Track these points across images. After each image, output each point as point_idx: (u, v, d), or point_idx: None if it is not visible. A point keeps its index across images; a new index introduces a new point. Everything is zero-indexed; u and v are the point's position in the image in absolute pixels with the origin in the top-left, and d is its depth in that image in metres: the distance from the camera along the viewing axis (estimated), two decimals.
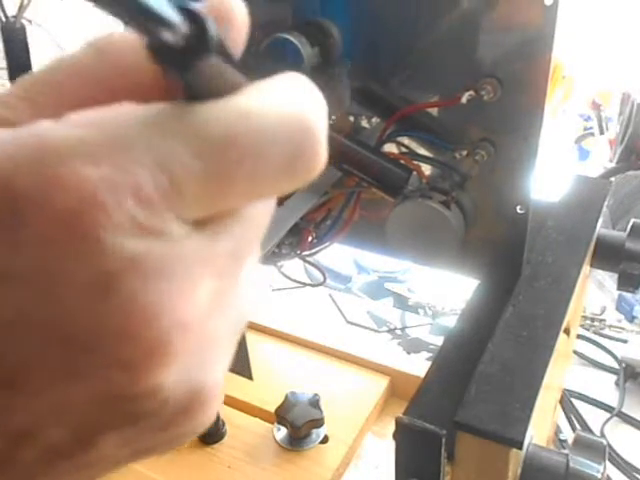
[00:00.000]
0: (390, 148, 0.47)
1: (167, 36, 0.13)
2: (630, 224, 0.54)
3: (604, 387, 0.82)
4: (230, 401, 0.76)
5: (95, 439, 0.14)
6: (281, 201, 0.44)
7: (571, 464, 0.36)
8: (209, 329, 0.14)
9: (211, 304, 0.14)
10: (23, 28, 1.02)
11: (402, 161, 0.45)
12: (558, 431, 0.73)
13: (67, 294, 0.12)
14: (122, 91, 0.15)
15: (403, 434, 0.36)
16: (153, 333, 0.13)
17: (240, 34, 0.16)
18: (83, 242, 0.12)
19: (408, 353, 0.90)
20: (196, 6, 0.13)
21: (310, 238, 0.51)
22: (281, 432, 0.71)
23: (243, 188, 0.14)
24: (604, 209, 0.55)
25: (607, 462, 0.37)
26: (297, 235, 0.49)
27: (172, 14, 0.13)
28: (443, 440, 0.35)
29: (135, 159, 0.12)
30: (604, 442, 0.38)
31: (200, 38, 0.13)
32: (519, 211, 0.45)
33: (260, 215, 0.16)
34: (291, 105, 0.15)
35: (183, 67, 0.13)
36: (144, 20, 0.12)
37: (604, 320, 0.90)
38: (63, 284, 0.12)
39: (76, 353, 0.13)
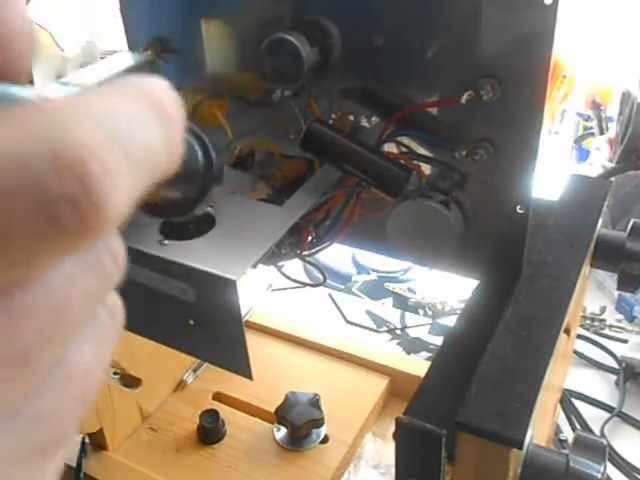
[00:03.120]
0: (390, 148, 0.47)
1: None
2: (630, 224, 0.54)
3: (604, 387, 0.82)
4: (230, 401, 0.76)
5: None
6: (280, 201, 0.44)
7: (571, 464, 0.36)
8: None
9: None
10: None
11: (402, 161, 0.45)
12: (558, 431, 0.73)
13: None
14: None
15: (403, 434, 0.36)
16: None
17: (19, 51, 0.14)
18: None
19: (408, 353, 0.90)
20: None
21: (310, 238, 0.51)
22: (281, 432, 0.71)
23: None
24: (604, 209, 0.55)
25: (607, 462, 0.37)
26: (297, 235, 0.49)
27: None
28: (443, 440, 0.35)
29: None
30: (604, 442, 0.38)
31: None
32: (519, 211, 0.45)
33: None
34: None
35: None
36: None
37: (604, 320, 0.90)
38: None
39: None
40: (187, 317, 0.39)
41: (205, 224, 0.40)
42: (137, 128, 0.13)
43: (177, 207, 0.18)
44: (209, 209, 0.41)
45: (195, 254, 0.37)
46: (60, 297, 0.13)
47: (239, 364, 0.39)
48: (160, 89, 0.14)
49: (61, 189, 0.11)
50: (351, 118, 0.49)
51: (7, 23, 0.14)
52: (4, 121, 0.11)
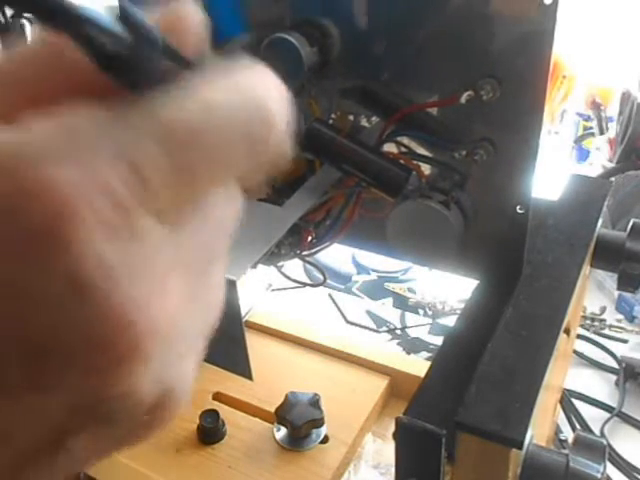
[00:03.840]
0: (390, 148, 0.47)
1: (110, 45, 0.13)
2: (630, 224, 0.54)
3: (604, 387, 0.82)
4: (230, 401, 0.76)
5: (65, 441, 0.14)
6: (280, 201, 0.44)
7: (571, 464, 0.36)
8: (179, 329, 0.14)
9: (180, 303, 0.14)
10: (23, 28, 1.03)
11: (402, 161, 0.45)
12: (558, 431, 0.73)
13: (42, 305, 0.12)
14: (72, 86, 0.14)
15: (403, 434, 0.36)
16: (125, 339, 0.13)
17: (196, 38, 0.16)
18: (57, 252, 0.12)
19: (408, 353, 0.90)
20: (137, 16, 0.13)
21: (310, 238, 0.51)
22: (281, 432, 0.71)
23: (208, 178, 0.14)
24: (604, 209, 0.55)
25: (607, 462, 0.37)
26: (297, 235, 0.49)
27: (114, 25, 0.13)
28: (443, 440, 0.35)
29: (102, 158, 0.12)
30: (604, 442, 0.38)
31: (141, 45, 0.13)
32: (519, 211, 0.45)
33: (226, 217, 0.16)
34: (249, 93, 0.15)
35: (129, 72, 0.13)
36: (87, 32, 0.13)
37: (604, 320, 0.90)
38: (38, 295, 0.12)
39: (49, 364, 0.13)
40: None
41: None
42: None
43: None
44: None
45: None
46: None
47: (239, 364, 0.39)
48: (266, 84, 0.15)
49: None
50: (351, 118, 0.49)
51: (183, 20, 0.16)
52: None
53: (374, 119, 0.49)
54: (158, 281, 0.13)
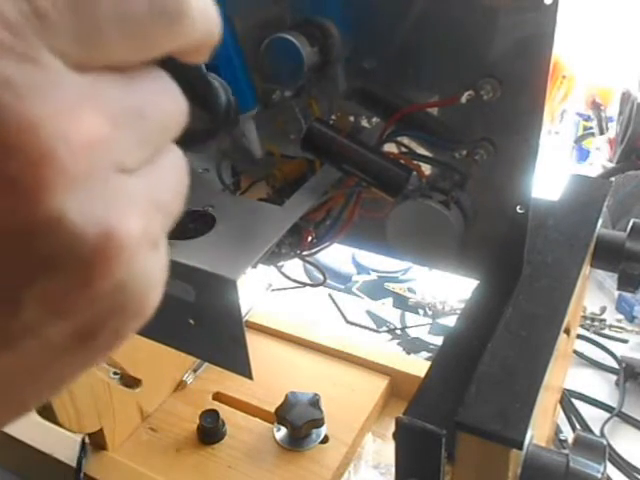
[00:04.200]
0: (390, 148, 0.47)
1: None
2: (630, 224, 0.54)
3: (604, 387, 0.82)
4: (230, 401, 0.76)
5: (14, 294, 0.13)
6: (281, 201, 0.44)
7: (571, 464, 0.36)
8: (106, 163, 0.14)
9: (103, 139, 0.13)
10: None
11: (402, 161, 0.45)
12: (558, 431, 0.73)
13: None
14: None
15: (403, 434, 0.36)
16: (34, 140, 0.12)
17: None
18: None
19: (408, 353, 0.90)
20: None
21: (310, 238, 0.51)
22: (281, 432, 0.71)
23: (113, 31, 0.14)
24: (604, 209, 0.55)
25: (607, 462, 0.37)
26: (297, 235, 0.49)
27: None
28: (443, 440, 0.35)
29: None
30: (604, 442, 0.38)
31: None
32: (519, 211, 0.45)
33: (161, 98, 0.16)
34: None
35: None
36: None
37: (604, 320, 0.90)
38: None
39: None
40: (187, 317, 0.39)
41: (205, 224, 0.40)
42: None
43: (198, 135, 0.19)
44: (209, 209, 0.41)
45: (195, 254, 0.37)
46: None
47: (239, 364, 0.39)
48: None
49: None
50: (351, 119, 0.49)
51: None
52: None
53: (374, 120, 0.49)
54: (68, 107, 0.13)
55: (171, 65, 0.16)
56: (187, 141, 0.17)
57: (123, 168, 0.14)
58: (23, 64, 0.12)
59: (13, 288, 0.13)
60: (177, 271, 0.37)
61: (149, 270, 0.15)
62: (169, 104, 0.16)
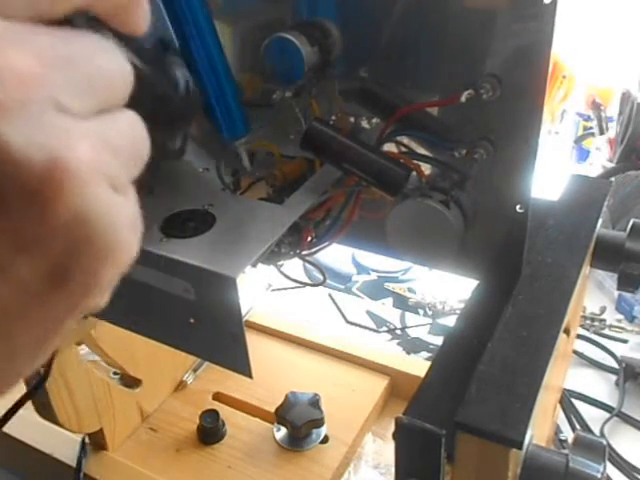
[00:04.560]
0: (390, 148, 0.47)
1: None
2: (630, 224, 0.54)
3: (604, 387, 0.82)
4: (230, 401, 0.76)
5: None
6: (281, 200, 0.44)
7: (571, 464, 0.36)
8: (49, 91, 0.14)
9: (35, 73, 0.14)
10: None
11: (402, 160, 0.45)
12: (558, 431, 0.73)
13: None
14: None
15: (403, 434, 0.36)
16: None
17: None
18: None
19: (408, 353, 0.90)
20: None
21: (310, 238, 0.51)
22: (281, 432, 0.71)
23: None
24: (604, 209, 0.55)
25: (607, 462, 0.37)
26: (297, 234, 0.49)
27: None
28: (443, 440, 0.35)
29: None
30: (604, 442, 0.38)
31: None
32: (519, 210, 0.45)
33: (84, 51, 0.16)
34: None
35: None
36: None
37: (604, 320, 0.90)
38: None
39: None
40: (187, 315, 0.39)
41: (205, 223, 0.40)
42: None
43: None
44: (209, 208, 0.41)
45: (195, 252, 0.37)
46: None
47: (239, 362, 0.39)
48: None
49: None
50: (351, 120, 0.49)
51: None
52: None
53: (374, 121, 0.49)
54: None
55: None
56: (157, 124, 0.18)
57: (63, 108, 0.15)
58: None
59: None
60: (177, 269, 0.37)
61: (113, 209, 0.15)
62: (105, 59, 0.16)
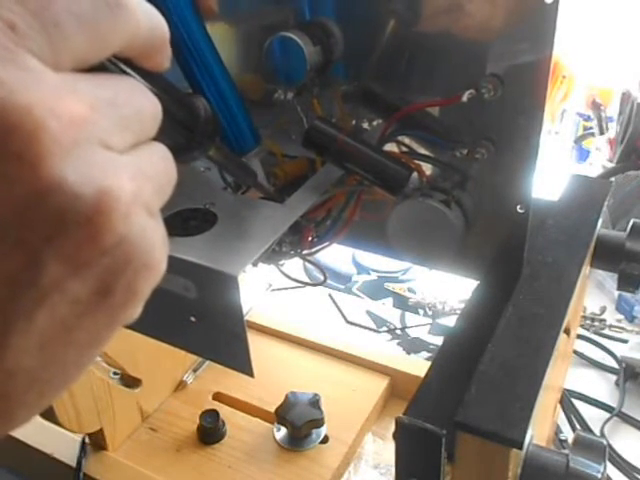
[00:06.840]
0: (391, 147, 0.47)
1: None
2: (630, 224, 0.54)
3: (604, 387, 0.82)
4: (230, 401, 0.76)
5: (37, 254, 0.15)
6: (282, 199, 0.44)
7: (571, 464, 0.36)
8: (94, 123, 0.16)
9: (89, 113, 0.16)
10: None
11: (403, 160, 0.45)
12: (558, 431, 0.73)
13: None
14: None
15: (403, 434, 0.36)
16: (29, 117, 0.15)
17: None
18: None
19: (408, 353, 0.90)
20: None
21: (310, 237, 0.51)
22: (281, 432, 0.71)
23: (69, 26, 0.16)
24: (604, 209, 0.55)
25: (607, 462, 0.37)
26: (298, 233, 0.49)
27: None
28: (443, 440, 0.35)
29: None
30: (604, 442, 0.38)
31: None
32: (519, 210, 0.45)
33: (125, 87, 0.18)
34: None
35: None
36: None
37: (604, 320, 0.90)
38: None
39: None
40: (188, 314, 0.39)
41: (207, 221, 0.40)
42: None
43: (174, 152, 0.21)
44: (211, 207, 0.41)
45: (197, 250, 0.37)
46: None
47: (240, 361, 0.39)
48: None
49: None
50: (353, 122, 0.49)
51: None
52: None
53: (376, 122, 0.49)
54: (50, 94, 0.15)
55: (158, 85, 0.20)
56: (174, 152, 0.20)
57: (108, 145, 0.17)
58: (10, 67, 0.15)
59: (35, 249, 0.15)
60: (178, 267, 0.37)
61: (149, 231, 0.17)
62: (139, 99, 0.19)
